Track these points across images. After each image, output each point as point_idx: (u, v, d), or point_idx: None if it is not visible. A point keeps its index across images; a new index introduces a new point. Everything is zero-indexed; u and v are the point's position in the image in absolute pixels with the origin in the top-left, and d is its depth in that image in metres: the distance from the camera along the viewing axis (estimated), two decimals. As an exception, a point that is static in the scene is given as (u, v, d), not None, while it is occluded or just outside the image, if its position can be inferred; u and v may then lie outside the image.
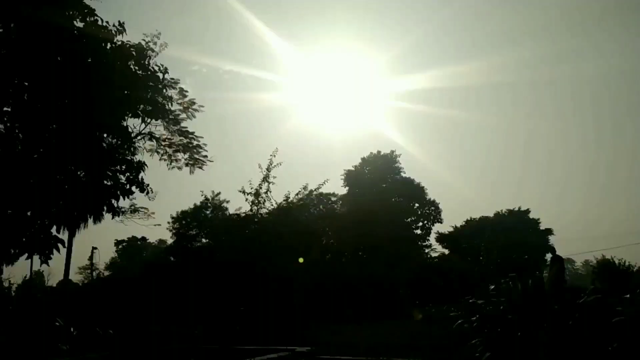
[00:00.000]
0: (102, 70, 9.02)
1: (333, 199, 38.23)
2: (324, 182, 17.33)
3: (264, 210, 15.49)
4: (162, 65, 12.70)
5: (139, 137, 19.69)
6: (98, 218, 21.26)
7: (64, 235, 17.79)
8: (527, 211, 42.29)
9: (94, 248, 26.41)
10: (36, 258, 8.61)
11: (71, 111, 8.77)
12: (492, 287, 4.94)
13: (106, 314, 18.09)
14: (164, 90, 15.51)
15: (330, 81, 70.89)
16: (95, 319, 13.85)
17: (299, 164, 77.63)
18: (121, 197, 9.63)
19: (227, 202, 38.22)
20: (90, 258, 27.67)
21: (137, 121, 17.65)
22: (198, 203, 38.89)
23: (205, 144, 20.96)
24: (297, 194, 16.34)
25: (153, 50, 17.33)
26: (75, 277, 49.43)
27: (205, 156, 21.30)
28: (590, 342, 3.41)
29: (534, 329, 3.79)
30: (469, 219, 42.81)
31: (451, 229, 41.86)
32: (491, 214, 43.02)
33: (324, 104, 68.18)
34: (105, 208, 9.83)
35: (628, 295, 3.73)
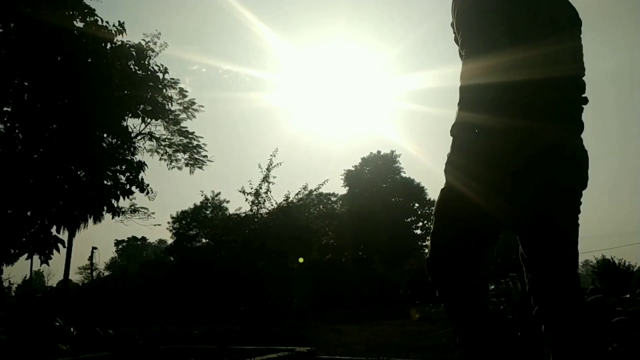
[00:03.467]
0: (102, 70, 9.02)
1: (333, 198, 38.29)
2: (324, 182, 17.31)
3: (264, 210, 15.46)
4: (162, 65, 12.70)
5: (139, 137, 19.77)
6: (98, 218, 21.34)
7: (64, 235, 17.86)
8: (527, 211, 42.29)
9: (94, 248, 26.42)
10: (36, 258, 8.61)
11: (71, 111, 8.77)
12: (492, 287, 4.94)
13: (106, 314, 18.12)
14: (164, 90, 15.55)
15: (330, 81, 70.98)
16: (95, 319, 13.87)
17: (299, 163, 77.68)
18: (121, 197, 9.62)
19: (227, 202, 38.36)
20: (90, 258, 27.69)
21: (137, 121, 17.74)
22: (198, 203, 39.07)
23: (205, 144, 21.10)
24: (297, 194, 16.32)
25: (153, 50, 17.41)
26: (75, 277, 49.55)
27: (205, 156, 21.39)
28: (590, 342, 3.41)
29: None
30: (469, 219, 42.66)
31: (451, 229, 41.68)
32: (491, 214, 42.96)
33: (324, 104, 68.23)
34: (105, 208, 9.81)
35: (628, 295, 3.73)
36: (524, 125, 1.54)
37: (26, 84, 8.74)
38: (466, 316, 1.63)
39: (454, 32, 1.76)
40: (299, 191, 16.41)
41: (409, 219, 39.33)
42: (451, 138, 1.69)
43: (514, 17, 1.59)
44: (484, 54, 1.60)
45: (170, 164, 21.43)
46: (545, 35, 1.59)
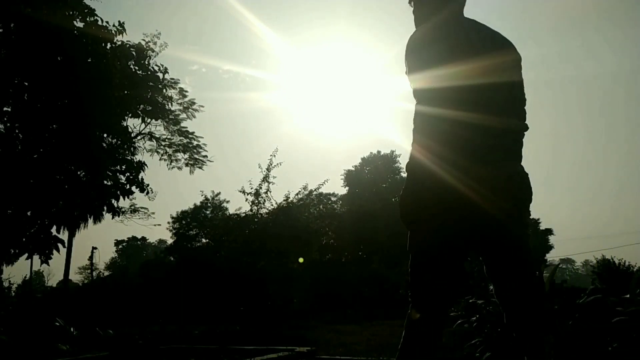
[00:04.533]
0: (102, 70, 9.02)
1: (333, 199, 38.24)
2: (324, 182, 17.33)
3: (264, 210, 15.46)
4: (162, 65, 12.68)
5: (139, 137, 19.75)
6: (98, 218, 21.32)
7: (64, 235, 17.85)
8: (527, 211, 42.29)
9: (94, 248, 26.39)
10: (36, 258, 8.61)
11: (71, 111, 8.77)
12: (492, 287, 4.94)
13: (106, 314, 18.11)
14: (164, 90, 15.52)
15: (330, 81, 70.96)
16: (95, 319, 13.86)
17: (299, 163, 77.67)
18: (121, 197, 9.61)
19: (227, 202, 38.31)
20: (90, 258, 27.67)
21: (137, 121, 17.72)
22: (198, 203, 39.03)
23: (205, 144, 21.08)
24: (297, 194, 16.32)
25: (153, 50, 17.39)
26: (75, 277, 49.50)
27: (205, 156, 21.38)
28: (590, 342, 3.41)
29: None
30: (468, 218, 42.62)
31: (451, 229, 41.62)
32: (491, 214, 42.95)
33: (324, 104, 68.22)
34: (105, 208, 9.81)
35: (628, 295, 3.72)
36: (493, 120, 1.69)
37: (26, 84, 8.74)
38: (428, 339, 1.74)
39: (409, 80, 1.93)
40: (299, 191, 16.42)
41: (409, 219, 39.25)
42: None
43: (461, 56, 1.75)
44: (438, 66, 1.76)
45: (170, 164, 21.43)
46: (491, 51, 1.79)
